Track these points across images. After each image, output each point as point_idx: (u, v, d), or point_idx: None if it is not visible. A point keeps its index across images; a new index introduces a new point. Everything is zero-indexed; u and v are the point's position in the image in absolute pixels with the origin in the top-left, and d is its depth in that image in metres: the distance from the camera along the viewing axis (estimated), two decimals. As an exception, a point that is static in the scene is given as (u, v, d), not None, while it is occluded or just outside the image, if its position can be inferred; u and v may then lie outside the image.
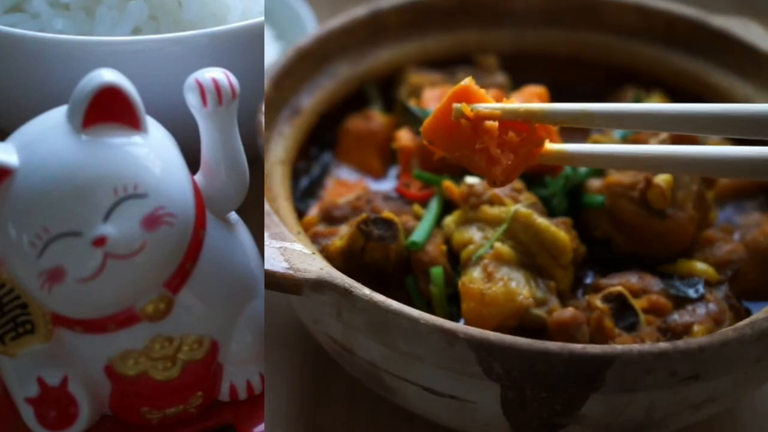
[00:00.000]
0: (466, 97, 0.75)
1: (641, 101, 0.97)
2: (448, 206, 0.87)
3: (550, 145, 0.76)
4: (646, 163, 0.75)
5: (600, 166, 0.82)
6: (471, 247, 0.82)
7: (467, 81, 0.75)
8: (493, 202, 0.84)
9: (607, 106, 0.75)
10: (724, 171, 0.75)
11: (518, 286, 0.79)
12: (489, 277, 0.79)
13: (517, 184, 0.86)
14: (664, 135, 0.87)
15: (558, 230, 0.81)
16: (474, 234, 0.83)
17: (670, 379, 0.71)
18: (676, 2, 1.02)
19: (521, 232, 0.82)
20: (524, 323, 0.78)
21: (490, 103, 0.75)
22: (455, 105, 0.74)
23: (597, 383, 0.70)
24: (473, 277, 0.79)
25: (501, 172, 0.73)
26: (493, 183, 0.74)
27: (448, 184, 0.87)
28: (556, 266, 0.82)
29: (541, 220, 0.82)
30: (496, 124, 0.74)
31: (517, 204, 0.83)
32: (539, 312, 0.78)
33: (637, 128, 0.77)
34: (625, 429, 0.75)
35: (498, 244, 0.81)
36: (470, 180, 0.87)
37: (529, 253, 0.81)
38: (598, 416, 0.73)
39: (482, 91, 0.75)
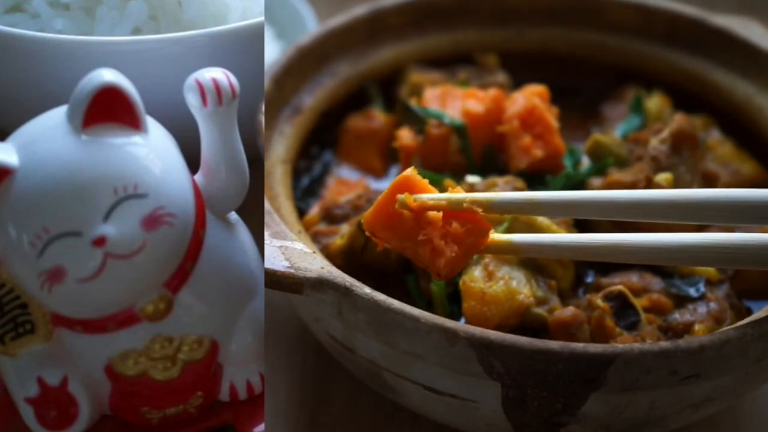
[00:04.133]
0: (410, 187, 0.74)
1: (642, 100, 0.97)
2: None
3: (496, 236, 0.75)
4: (595, 252, 0.75)
5: (549, 256, 0.80)
6: (472, 246, 0.82)
7: (410, 171, 0.74)
8: (494, 201, 0.84)
9: (554, 194, 0.75)
10: (685, 260, 0.75)
11: (519, 285, 0.79)
12: (490, 276, 0.79)
13: (518, 183, 0.86)
14: (665, 134, 0.87)
15: (559, 229, 0.82)
16: None
17: (671, 378, 0.71)
18: (677, 1, 1.02)
19: (522, 230, 0.82)
20: (525, 322, 0.78)
21: (434, 194, 0.74)
22: (399, 196, 0.73)
23: (597, 382, 0.70)
24: (474, 276, 0.79)
25: (445, 265, 0.73)
26: (437, 275, 0.73)
27: (449, 183, 0.87)
28: (556, 265, 0.82)
29: (542, 219, 0.82)
30: (440, 215, 0.73)
31: None
32: (540, 311, 0.78)
33: (586, 216, 0.77)
34: (625, 428, 0.76)
35: None
36: (471, 179, 0.87)
37: None
38: (598, 415, 0.73)
39: (425, 181, 0.75)
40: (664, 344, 0.70)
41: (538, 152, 0.88)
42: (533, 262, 0.81)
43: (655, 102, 0.97)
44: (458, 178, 0.88)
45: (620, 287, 0.80)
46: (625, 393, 0.72)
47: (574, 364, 0.69)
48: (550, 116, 0.90)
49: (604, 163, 0.88)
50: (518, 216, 0.82)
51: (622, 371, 0.70)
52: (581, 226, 0.85)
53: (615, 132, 0.95)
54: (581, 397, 0.72)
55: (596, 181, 0.87)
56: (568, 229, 0.82)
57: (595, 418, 0.74)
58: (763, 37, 0.97)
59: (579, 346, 0.70)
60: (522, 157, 0.88)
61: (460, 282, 0.80)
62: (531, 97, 0.91)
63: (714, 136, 0.95)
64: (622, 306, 0.80)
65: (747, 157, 0.94)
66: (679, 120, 0.88)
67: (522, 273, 0.80)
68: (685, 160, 0.87)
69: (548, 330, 0.78)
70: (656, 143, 0.87)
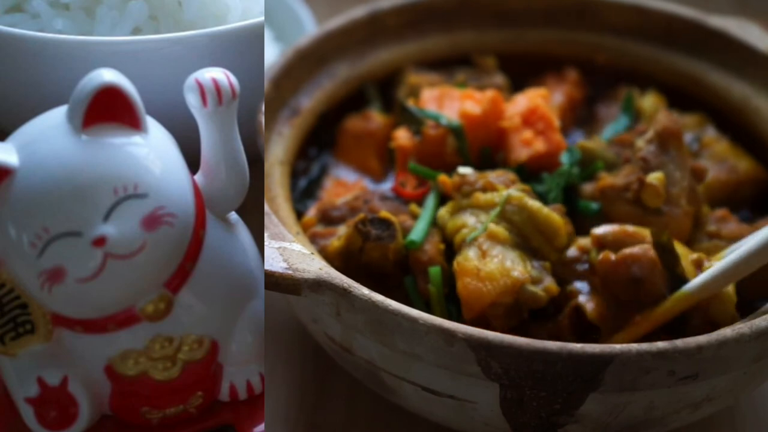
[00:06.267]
0: None
1: (633, 100, 0.97)
2: (444, 203, 0.87)
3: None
4: None
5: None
6: (465, 230, 0.82)
7: None
8: (486, 189, 0.84)
9: None
10: None
11: (513, 263, 0.79)
12: (484, 255, 0.79)
13: (511, 176, 0.86)
14: (650, 134, 0.87)
15: (551, 212, 0.82)
16: (468, 219, 0.83)
17: (669, 378, 0.71)
18: (675, 3, 1.02)
19: (515, 214, 0.82)
20: (520, 300, 0.78)
21: None
22: None
23: (596, 382, 0.70)
24: (468, 256, 0.79)
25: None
26: None
27: (443, 178, 0.87)
28: (550, 249, 0.82)
29: (534, 202, 0.82)
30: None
31: (509, 189, 0.83)
32: (535, 289, 0.79)
33: None
34: (624, 428, 0.76)
35: (492, 225, 0.81)
36: (463, 170, 0.87)
37: (523, 235, 0.82)
38: (597, 415, 0.74)
39: None
40: (662, 344, 0.70)
41: (540, 145, 0.88)
42: (527, 244, 0.81)
43: (649, 101, 0.97)
44: (452, 175, 0.88)
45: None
46: (623, 393, 0.72)
47: (573, 365, 0.69)
48: (552, 115, 0.90)
49: (593, 168, 0.89)
50: (511, 199, 0.82)
51: (620, 371, 0.70)
52: (573, 214, 0.85)
53: (605, 132, 0.95)
54: (579, 398, 0.72)
55: (588, 186, 0.87)
56: (561, 216, 0.83)
57: (593, 419, 0.74)
58: (760, 39, 0.97)
59: (577, 346, 0.70)
60: (522, 149, 0.89)
61: (454, 263, 0.80)
62: (534, 97, 0.92)
63: (709, 134, 0.95)
64: None
65: (743, 153, 0.94)
66: (662, 119, 0.88)
67: (516, 254, 0.80)
68: (672, 158, 0.87)
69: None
70: (642, 144, 0.87)
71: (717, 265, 0.78)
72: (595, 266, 0.81)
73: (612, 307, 0.80)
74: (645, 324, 0.79)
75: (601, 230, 0.82)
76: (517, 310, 0.79)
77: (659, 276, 0.79)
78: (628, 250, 0.79)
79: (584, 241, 0.83)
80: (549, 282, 0.80)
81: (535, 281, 0.79)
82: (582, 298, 0.81)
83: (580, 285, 0.82)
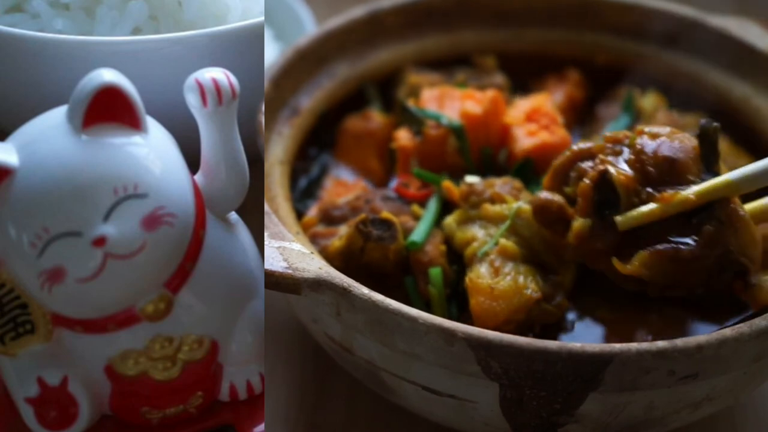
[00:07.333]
0: None
1: (634, 100, 0.97)
2: (446, 206, 0.87)
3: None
4: None
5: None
6: (475, 244, 0.82)
7: None
8: (494, 200, 0.84)
9: None
10: None
11: (526, 280, 0.79)
12: (496, 272, 0.79)
13: (516, 183, 0.86)
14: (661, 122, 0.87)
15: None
16: (477, 232, 0.83)
17: (669, 378, 0.71)
18: (675, 2, 1.02)
19: (524, 228, 0.82)
20: (531, 317, 0.78)
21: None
22: None
23: (595, 382, 0.70)
24: (480, 273, 0.79)
25: None
26: None
27: (448, 184, 0.87)
28: (559, 265, 0.82)
29: None
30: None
31: (518, 201, 0.83)
32: (547, 305, 0.79)
33: None
34: (624, 428, 0.76)
35: (503, 240, 0.81)
36: (470, 179, 0.87)
37: (533, 250, 0.82)
38: (597, 415, 0.74)
39: None
40: (662, 344, 0.70)
41: (546, 135, 0.88)
42: (536, 258, 0.81)
43: (649, 101, 0.97)
44: (456, 179, 0.88)
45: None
46: (623, 393, 0.72)
47: (572, 364, 0.70)
48: (557, 113, 0.90)
49: None
50: (520, 213, 0.82)
51: (620, 371, 0.70)
52: None
53: (604, 131, 0.95)
54: (579, 397, 0.72)
55: None
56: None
57: (593, 418, 0.74)
58: (760, 38, 0.97)
59: (577, 346, 0.70)
60: (527, 139, 0.89)
61: (466, 279, 0.80)
62: (537, 99, 0.92)
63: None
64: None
65: (743, 153, 0.94)
66: (662, 119, 0.88)
67: (527, 269, 0.80)
68: None
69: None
70: None
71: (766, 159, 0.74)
72: (633, 145, 0.78)
73: (640, 182, 0.77)
74: (674, 203, 0.75)
75: (648, 128, 0.79)
76: (529, 325, 0.79)
77: (695, 162, 0.76)
78: (671, 133, 0.77)
79: (625, 131, 0.81)
80: (561, 298, 0.80)
81: (547, 297, 0.79)
82: (611, 168, 0.78)
83: (612, 159, 0.79)
